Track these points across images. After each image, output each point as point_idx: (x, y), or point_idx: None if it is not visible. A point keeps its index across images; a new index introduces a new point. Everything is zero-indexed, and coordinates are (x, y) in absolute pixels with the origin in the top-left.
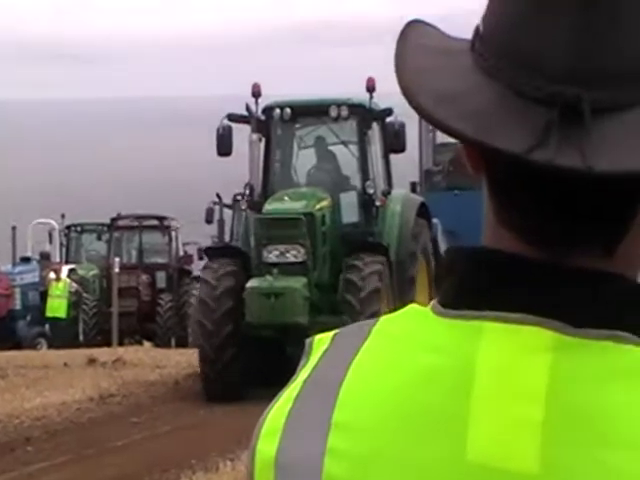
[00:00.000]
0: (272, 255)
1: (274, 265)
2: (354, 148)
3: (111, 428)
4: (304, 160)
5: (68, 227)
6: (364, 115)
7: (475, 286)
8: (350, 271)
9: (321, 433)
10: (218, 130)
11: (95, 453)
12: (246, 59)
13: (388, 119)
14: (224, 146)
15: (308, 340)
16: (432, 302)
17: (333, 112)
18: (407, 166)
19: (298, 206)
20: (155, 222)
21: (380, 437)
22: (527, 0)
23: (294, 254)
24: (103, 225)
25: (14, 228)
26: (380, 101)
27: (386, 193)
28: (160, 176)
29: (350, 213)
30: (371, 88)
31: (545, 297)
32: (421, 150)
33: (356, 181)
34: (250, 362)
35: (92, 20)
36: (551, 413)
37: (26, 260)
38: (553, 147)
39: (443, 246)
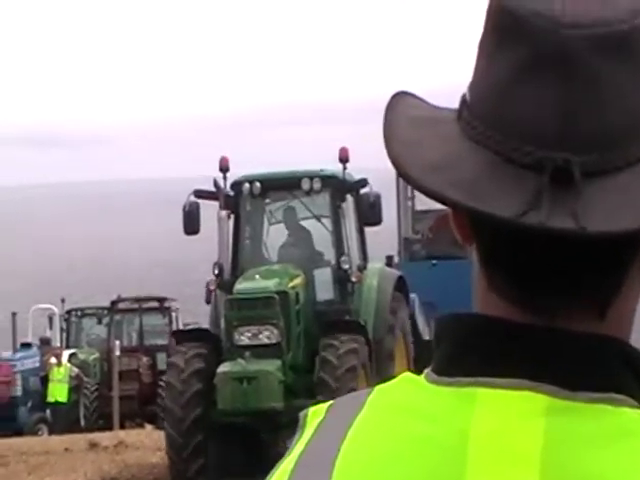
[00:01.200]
0: (244, 337)
1: (246, 348)
2: (327, 222)
3: None
4: (275, 236)
5: (68, 312)
6: (337, 187)
7: (468, 353)
8: (326, 350)
9: None
10: (184, 207)
11: None
12: (219, 140)
13: (362, 190)
14: (191, 224)
15: (302, 412)
16: (426, 370)
17: (305, 185)
18: (383, 236)
19: (270, 284)
20: (155, 304)
21: None
22: (511, 70)
23: (267, 335)
24: (103, 309)
25: (14, 314)
26: (354, 173)
27: (362, 268)
28: (150, 256)
29: (325, 290)
30: (344, 159)
31: (539, 361)
32: (399, 218)
33: (330, 256)
34: (222, 450)
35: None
36: (546, 478)
37: (27, 346)
38: (545, 210)
39: (421, 320)
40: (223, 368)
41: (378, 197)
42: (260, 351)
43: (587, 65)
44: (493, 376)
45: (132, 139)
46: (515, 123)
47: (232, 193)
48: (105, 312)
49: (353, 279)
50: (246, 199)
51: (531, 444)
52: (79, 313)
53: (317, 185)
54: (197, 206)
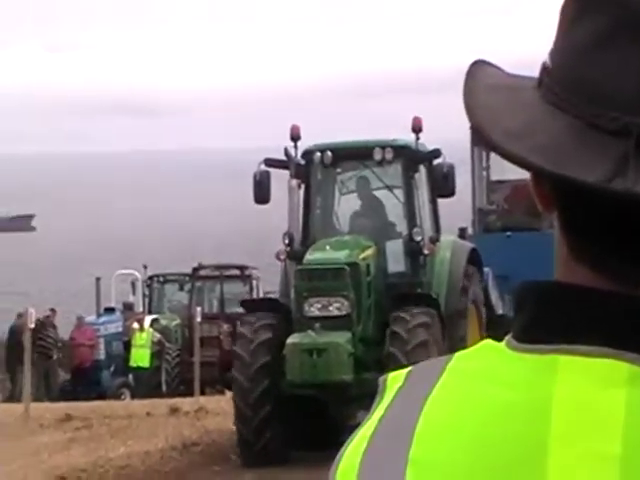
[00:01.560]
0: (314, 308)
1: (316, 319)
2: (400, 193)
3: (194, 477)
4: (346, 206)
5: (150, 278)
6: (410, 157)
7: (549, 320)
8: (396, 323)
9: (398, 470)
10: (255, 176)
11: None
12: (294, 110)
13: (436, 161)
14: (261, 193)
15: (382, 378)
16: (507, 337)
17: (377, 155)
18: (457, 207)
19: (341, 255)
20: (236, 272)
21: (457, 472)
22: (594, 35)
23: (337, 307)
24: (185, 275)
25: (98, 279)
26: (427, 144)
27: (434, 240)
28: (229, 225)
29: (396, 262)
30: (417, 128)
31: (622, 329)
32: (474, 189)
33: (402, 228)
34: (291, 423)
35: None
36: (628, 448)
37: (110, 311)
38: (632, 176)
39: (494, 294)
40: (292, 339)
41: (452, 168)
42: (330, 323)
43: None
44: (575, 343)
45: (210, 109)
46: (599, 88)
47: (303, 162)
48: (187, 279)
49: (425, 251)
50: (317, 168)
51: (613, 414)
52: (161, 279)
53: (389, 155)
54: (268, 175)
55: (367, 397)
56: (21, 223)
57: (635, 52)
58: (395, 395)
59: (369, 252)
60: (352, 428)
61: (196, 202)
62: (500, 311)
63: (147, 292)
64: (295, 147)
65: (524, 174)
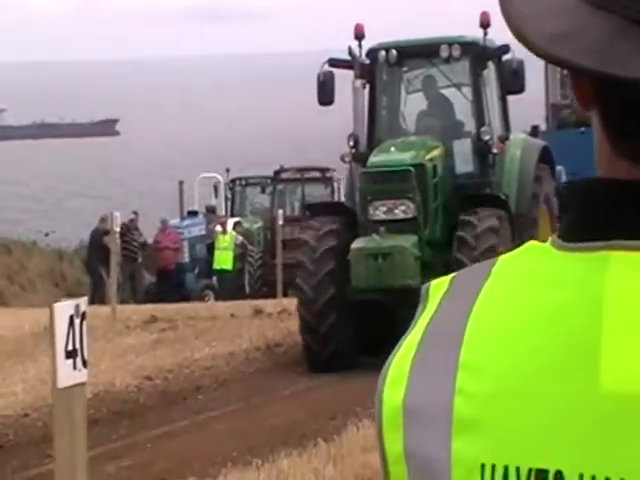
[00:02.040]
0: (379, 212)
1: (381, 223)
2: (467, 91)
3: (277, 377)
4: (413, 106)
5: (233, 181)
6: (478, 54)
7: (596, 217)
8: (463, 228)
9: (448, 375)
10: (319, 77)
11: (262, 402)
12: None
13: (504, 57)
14: (325, 94)
15: (424, 286)
16: (551, 237)
17: (444, 52)
18: (530, 103)
19: (407, 157)
20: (317, 174)
21: (510, 375)
22: None
23: (403, 210)
24: (266, 178)
25: (181, 183)
26: (496, 40)
27: (504, 139)
28: (308, 129)
29: (464, 162)
30: (485, 23)
31: None
32: (547, 83)
33: (470, 127)
34: (358, 329)
35: None
36: None
37: (193, 214)
38: None
39: None
40: (357, 244)
41: (521, 64)
42: (395, 226)
43: None
44: (624, 238)
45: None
46: None
47: (367, 61)
48: (268, 181)
49: (494, 150)
50: (382, 67)
51: None
52: (243, 182)
53: (456, 52)
54: (332, 75)
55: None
56: (104, 127)
57: None
58: (440, 301)
59: (436, 152)
60: None
61: (275, 103)
62: None
63: (229, 195)
64: (360, 46)
65: None
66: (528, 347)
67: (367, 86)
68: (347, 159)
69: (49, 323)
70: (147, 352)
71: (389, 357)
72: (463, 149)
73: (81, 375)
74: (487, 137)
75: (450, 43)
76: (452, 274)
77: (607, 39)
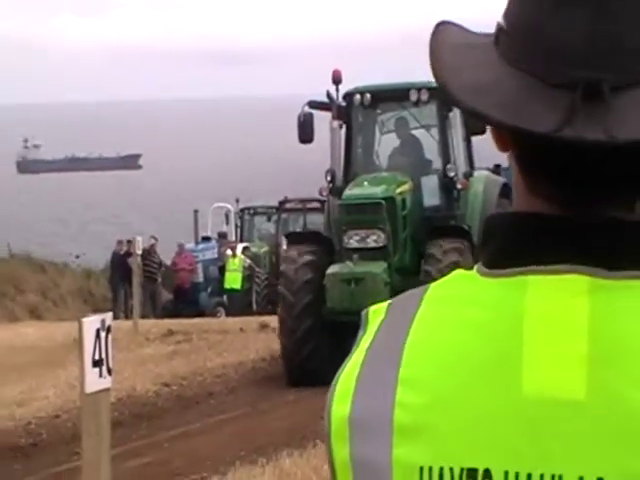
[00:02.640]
0: (353, 240)
1: (355, 250)
2: (435, 132)
3: (281, 385)
4: (385, 145)
5: (242, 210)
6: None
7: (516, 245)
8: (431, 247)
9: (389, 390)
10: (299, 117)
11: (268, 407)
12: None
13: None
14: (305, 133)
15: (364, 312)
16: (476, 266)
17: (413, 96)
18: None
19: (378, 190)
20: (317, 204)
21: (442, 386)
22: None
23: (374, 239)
24: (272, 208)
25: (196, 211)
26: None
27: (468, 175)
28: (309, 163)
29: (431, 196)
30: None
31: (579, 247)
32: None
33: (437, 164)
34: (333, 347)
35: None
36: (594, 347)
37: (207, 239)
38: (579, 124)
39: None
40: (332, 269)
41: None
42: (367, 254)
43: None
44: (542, 264)
45: (283, 57)
46: (549, 46)
47: (344, 104)
48: (274, 211)
49: (459, 186)
50: (357, 110)
51: (579, 319)
52: (251, 211)
53: (424, 96)
54: (311, 116)
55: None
56: (128, 161)
57: (580, 15)
58: (379, 326)
59: (405, 187)
60: None
61: (279, 142)
62: None
63: (239, 223)
64: (337, 90)
65: None
66: (458, 360)
67: (343, 126)
68: (324, 193)
69: (78, 336)
70: (165, 361)
71: (335, 376)
72: (430, 184)
73: (106, 382)
74: (452, 174)
75: (419, 88)
76: (389, 301)
77: (517, 95)
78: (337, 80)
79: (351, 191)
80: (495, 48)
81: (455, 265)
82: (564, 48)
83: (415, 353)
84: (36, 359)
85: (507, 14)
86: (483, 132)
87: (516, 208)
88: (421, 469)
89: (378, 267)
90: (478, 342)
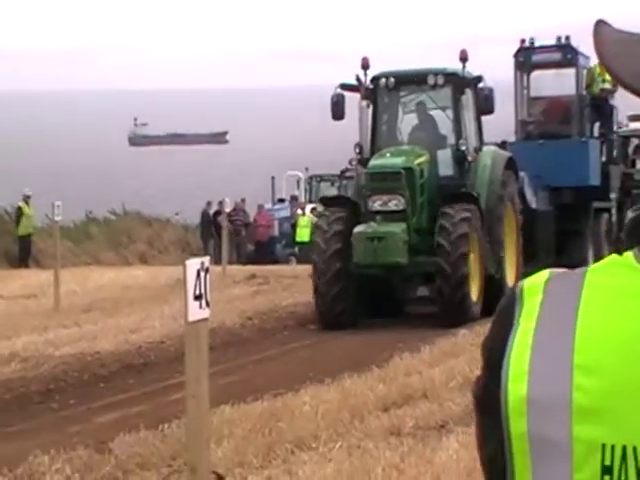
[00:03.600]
0: (376, 204)
1: (378, 213)
2: (449, 112)
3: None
4: (407, 123)
5: (310, 177)
6: (458, 82)
7: None
8: (443, 218)
9: (565, 374)
10: (332, 98)
11: (332, 337)
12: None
13: (479, 85)
14: (338, 112)
15: (518, 287)
16: (632, 255)
17: (431, 80)
18: (507, 120)
19: (398, 161)
20: None
21: (622, 375)
22: None
23: (395, 203)
24: (335, 175)
25: (273, 178)
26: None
27: (477, 150)
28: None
29: (446, 167)
30: (464, 58)
31: None
32: (516, 104)
33: (451, 140)
34: (361, 299)
35: None
36: None
37: (281, 201)
38: None
39: (529, 193)
40: (358, 229)
41: (491, 91)
42: (389, 216)
43: None
44: None
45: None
46: None
47: (371, 86)
48: (336, 178)
49: (469, 158)
50: (383, 91)
51: None
52: (318, 178)
53: (440, 80)
54: (343, 97)
55: (421, 276)
56: (218, 137)
57: None
58: (540, 308)
59: (423, 159)
60: (413, 301)
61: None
62: (534, 205)
63: (308, 188)
64: (365, 74)
65: (557, 92)
66: (633, 350)
67: (370, 106)
68: (353, 163)
69: (183, 274)
70: (248, 300)
71: (502, 352)
72: (445, 157)
73: (205, 312)
74: (464, 148)
75: (435, 73)
76: (542, 279)
77: None
78: (365, 66)
79: (375, 161)
80: None
81: (465, 222)
82: None
83: (588, 340)
84: (145, 296)
85: None
86: (491, 112)
87: None
88: (603, 446)
89: (398, 227)
90: None
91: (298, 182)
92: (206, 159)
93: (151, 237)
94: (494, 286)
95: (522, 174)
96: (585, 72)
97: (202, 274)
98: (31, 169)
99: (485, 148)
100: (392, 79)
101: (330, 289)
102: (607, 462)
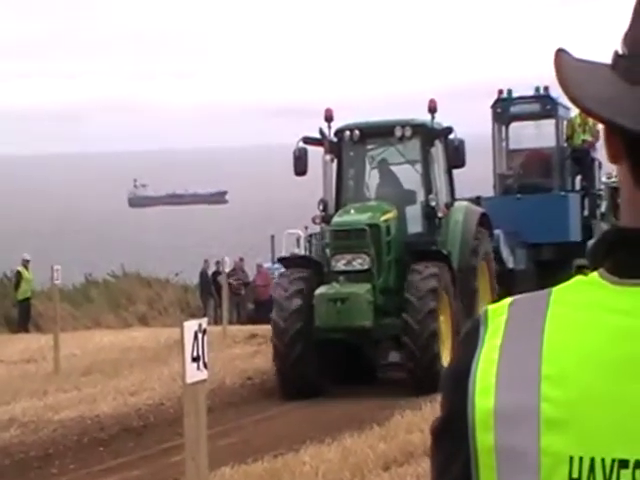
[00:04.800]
0: (340, 264)
1: (341, 273)
2: (418, 165)
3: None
4: (374, 177)
5: (310, 235)
6: (426, 134)
7: None
8: (411, 274)
9: (533, 385)
10: (294, 152)
11: (331, 397)
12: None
13: (449, 137)
14: (300, 167)
15: (483, 310)
16: (598, 273)
17: (398, 132)
18: (485, 174)
19: (363, 218)
20: None
21: (587, 384)
22: None
23: (359, 262)
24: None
25: (272, 236)
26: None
27: (449, 205)
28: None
29: (414, 224)
30: (433, 109)
31: None
32: (494, 156)
33: (420, 195)
34: (326, 362)
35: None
36: None
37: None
38: None
39: (506, 251)
40: (320, 290)
41: (462, 143)
42: (353, 276)
43: None
44: None
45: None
46: None
47: (335, 139)
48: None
49: (439, 214)
50: (347, 145)
51: None
52: (317, 236)
53: (408, 132)
54: (306, 151)
55: (389, 339)
56: (217, 197)
57: None
58: (506, 325)
59: (390, 215)
60: (385, 366)
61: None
62: (510, 265)
63: (307, 246)
64: (329, 127)
65: (537, 144)
66: (600, 362)
67: (335, 160)
68: (317, 220)
69: (180, 336)
70: (249, 359)
71: (468, 371)
72: (414, 213)
73: (203, 374)
74: (433, 203)
75: (403, 125)
76: (506, 302)
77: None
78: (329, 118)
79: (339, 218)
80: (612, 71)
81: (433, 292)
82: None
83: (555, 352)
84: (144, 357)
85: (627, 42)
86: (462, 165)
87: (628, 219)
88: (571, 458)
89: (362, 288)
90: (619, 346)
91: (298, 240)
92: (205, 217)
93: (151, 298)
94: None
95: (498, 232)
96: (565, 123)
97: (200, 335)
98: (30, 231)
99: (457, 204)
100: (357, 131)
101: (291, 351)
102: (575, 474)
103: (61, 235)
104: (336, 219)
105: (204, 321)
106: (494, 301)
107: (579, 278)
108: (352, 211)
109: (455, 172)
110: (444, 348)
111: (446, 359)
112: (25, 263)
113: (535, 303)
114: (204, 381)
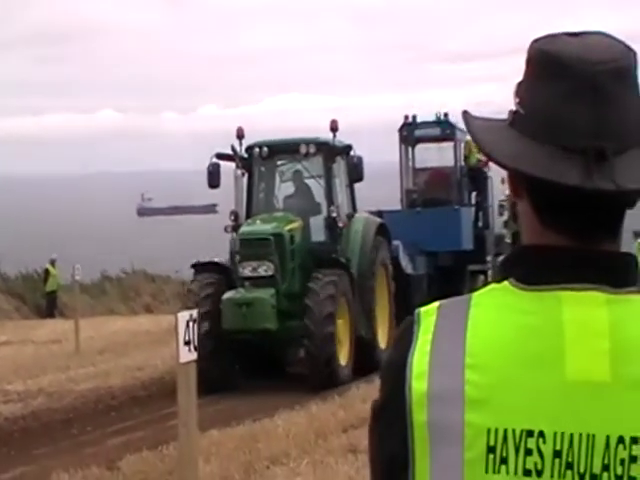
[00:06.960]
0: (246, 270)
1: (247, 279)
2: (322, 180)
3: None
4: (283, 191)
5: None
6: (329, 151)
7: (547, 269)
8: (312, 281)
9: (458, 371)
10: (208, 167)
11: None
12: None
13: (350, 154)
14: (213, 180)
15: (416, 311)
16: (508, 282)
17: (303, 149)
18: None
19: (268, 228)
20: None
21: (502, 371)
22: (559, 92)
23: (264, 269)
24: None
25: None
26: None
27: (350, 216)
28: None
29: (318, 233)
30: (334, 128)
31: (593, 271)
32: (401, 174)
33: (323, 207)
34: (238, 360)
35: None
36: (614, 343)
37: None
38: (595, 179)
39: (405, 259)
40: (227, 295)
41: (360, 159)
42: (258, 282)
43: (611, 89)
44: (566, 283)
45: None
46: (565, 126)
47: (246, 156)
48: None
49: (340, 224)
50: (257, 160)
51: (602, 324)
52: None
53: (312, 149)
54: (218, 166)
55: (294, 340)
56: (209, 209)
57: (587, 106)
58: (435, 323)
59: (295, 225)
60: (297, 362)
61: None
62: (409, 271)
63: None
64: (240, 144)
65: (439, 163)
66: (512, 353)
67: (245, 174)
68: (228, 229)
69: (174, 325)
70: None
71: (405, 361)
72: (317, 223)
73: (193, 355)
74: (335, 214)
75: (307, 143)
76: (435, 305)
77: (544, 158)
78: (240, 135)
79: (246, 228)
80: (512, 128)
81: (331, 298)
82: (576, 127)
83: (475, 345)
84: (149, 340)
85: (524, 104)
86: (360, 180)
87: (529, 239)
88: (488, 430)
89: (266, 293)
90: (527, 339)
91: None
92: (200, 226)
93: (155, 291)
94: (366, 350)
95: (397, 242)
96: (463, 145)
97: (191, 324)
98: (57, 236)
99: (357, 215)
100: (265, 148)
101: (201, 350)
102: (491, 443)
103: (81, 239)
104: (243, 228)
105: (194, 312)
106: (391, 303)
107: (493, 285)
108: (258, 221)
109: (379, 189)
110: (341, 348)
111: (344, 359)
112: (52, 262)
113: (459, 306)
114: (194, 361)
